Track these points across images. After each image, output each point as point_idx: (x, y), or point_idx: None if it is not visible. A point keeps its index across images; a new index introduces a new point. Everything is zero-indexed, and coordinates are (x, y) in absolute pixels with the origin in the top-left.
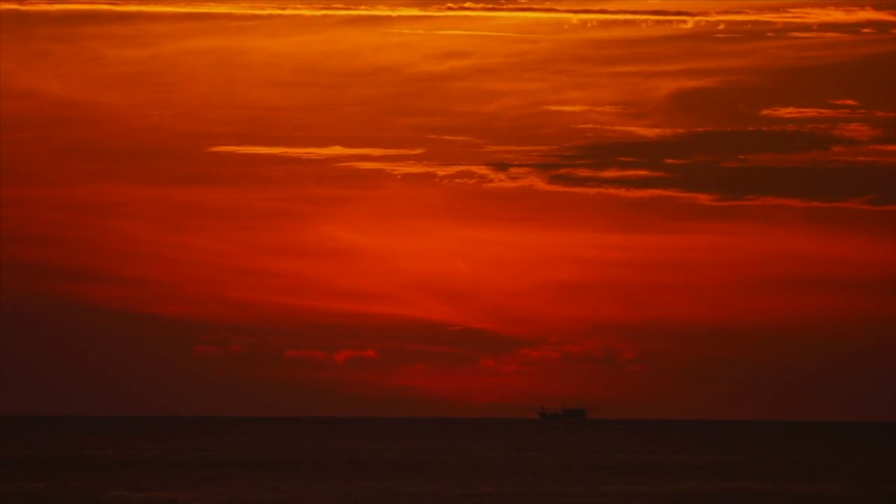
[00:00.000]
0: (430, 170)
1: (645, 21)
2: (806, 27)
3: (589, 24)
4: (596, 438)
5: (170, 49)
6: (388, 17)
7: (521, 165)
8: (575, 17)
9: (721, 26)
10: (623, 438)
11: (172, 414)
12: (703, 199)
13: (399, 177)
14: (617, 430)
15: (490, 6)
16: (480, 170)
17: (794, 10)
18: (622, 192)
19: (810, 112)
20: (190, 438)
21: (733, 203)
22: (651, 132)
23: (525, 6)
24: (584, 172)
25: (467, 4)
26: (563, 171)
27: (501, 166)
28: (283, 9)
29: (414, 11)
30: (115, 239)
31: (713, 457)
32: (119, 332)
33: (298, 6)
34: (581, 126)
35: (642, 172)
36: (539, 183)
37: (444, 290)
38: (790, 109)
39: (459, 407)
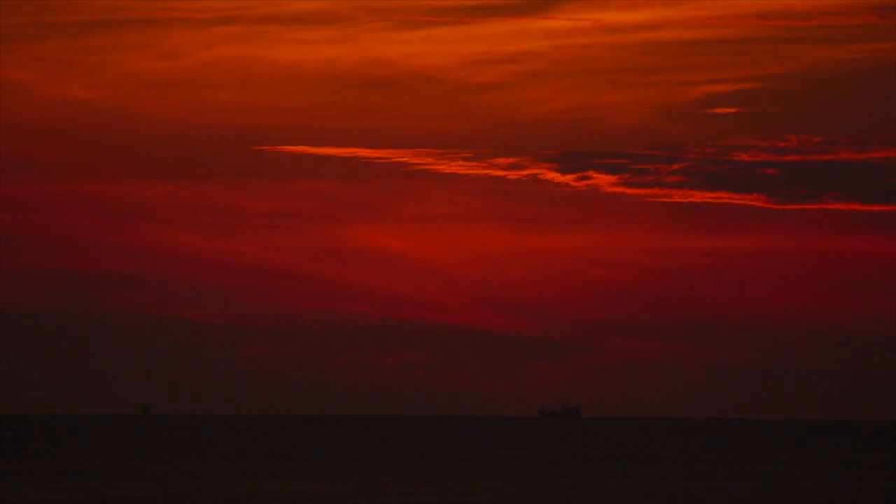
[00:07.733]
0: (498, 173)
1: (696, 25)
2: (857, 30)
3: (634, 29)
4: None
5: (198, 55)
6: (432, 22)
7: (583, 168)
8: (630, 22)
9: (770, 31)
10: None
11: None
12: (761, 201)
13: (457, 180)
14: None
15: (531, 14)
16: (545, 173)
17: (848, 14)
18: (681, 193)
19: (868, 112)
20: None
21: (792, 206)
22: (706, 135)
23: (570, 15)
24: (647, 177)
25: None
26: (626, 174)
27: (566, 169)
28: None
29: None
30: (158, 244)
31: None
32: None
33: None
34: (633, 130)
35: (699, 175)
36: (604, 185)
37: (497, 296)
38: (846, 110)
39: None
